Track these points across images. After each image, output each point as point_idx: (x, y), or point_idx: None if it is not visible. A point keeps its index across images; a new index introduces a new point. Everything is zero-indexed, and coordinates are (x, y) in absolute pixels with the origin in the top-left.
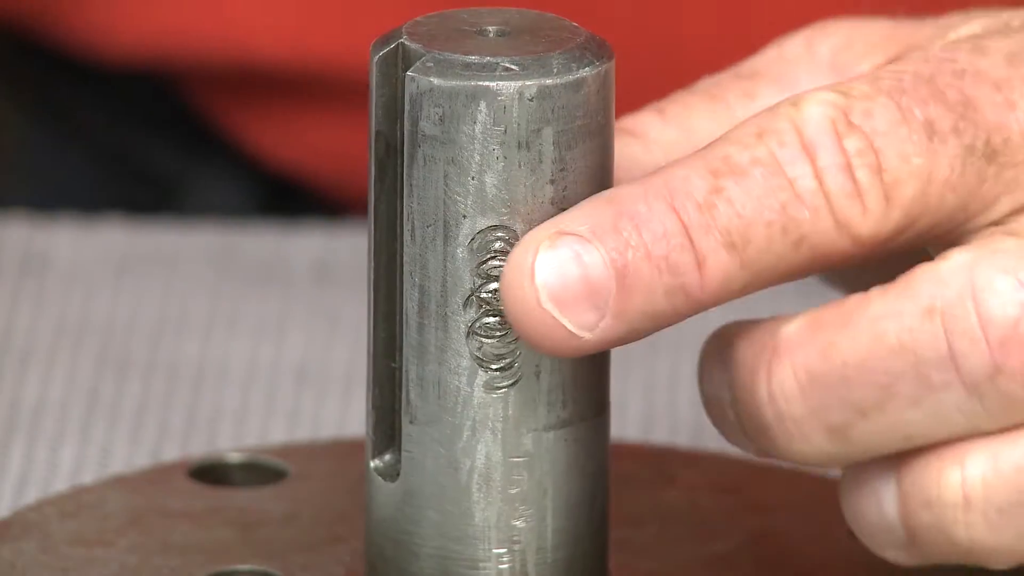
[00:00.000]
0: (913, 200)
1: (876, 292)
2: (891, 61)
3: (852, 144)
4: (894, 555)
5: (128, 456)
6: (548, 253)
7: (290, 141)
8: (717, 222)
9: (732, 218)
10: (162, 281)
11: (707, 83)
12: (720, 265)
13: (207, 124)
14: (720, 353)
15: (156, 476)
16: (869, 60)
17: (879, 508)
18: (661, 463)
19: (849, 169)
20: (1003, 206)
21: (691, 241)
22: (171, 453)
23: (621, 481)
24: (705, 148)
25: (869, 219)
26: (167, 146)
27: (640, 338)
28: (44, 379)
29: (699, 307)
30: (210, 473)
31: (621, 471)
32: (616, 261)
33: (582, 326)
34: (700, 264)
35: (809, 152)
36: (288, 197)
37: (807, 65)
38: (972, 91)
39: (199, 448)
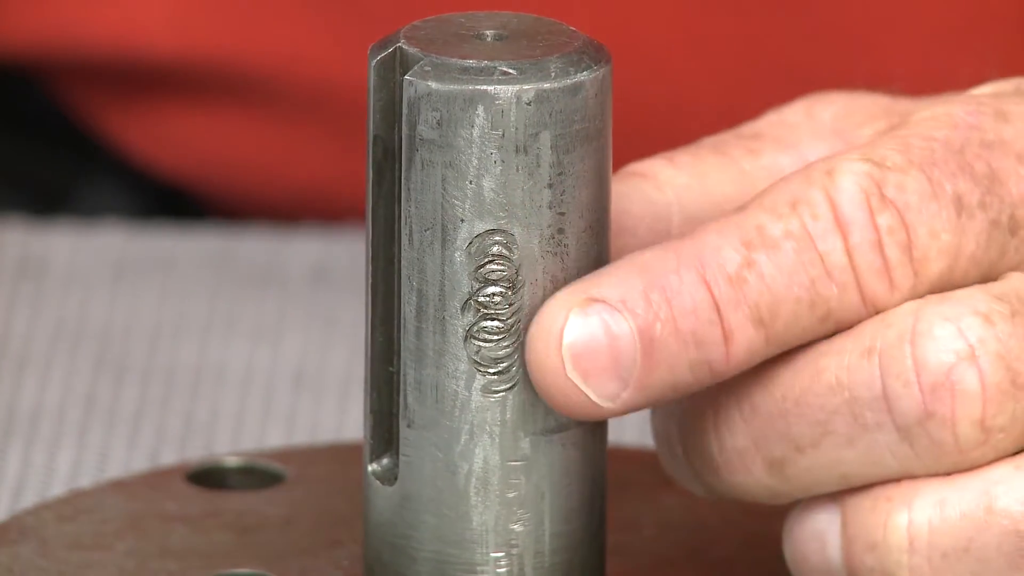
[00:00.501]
0: (940, 276)
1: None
2: (895, 129)
3: (884, 220)
4: None
5: (126, 460)
6: (578, 320)
7: (177, 146)
8: (747, 297)
9: (763, 293)
10: (159, 285)
11: (710, 141)
12: (746, 340)
13: (91, 129)
14: None
15: (154, 480)
16: (871, 127)
17: (822, 550)
18: (659, 467)
19: (880, 246)
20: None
21: (720, 316)
22: (169, 457)
23: (618, 485)
24: (739, 213)
25: (896, 295)
26: (51, 153)
27: (660, 405)
28: (41, 383)
29: (720, 379)
30: (208, 477)
31: (618, 475)
32: (644, 333)
33: (604, 396)
34: (727, 339)
35: (842, 227)
36: (178, 205)
37: (809, 129)
38: (998, 163)
39: (197, 452)
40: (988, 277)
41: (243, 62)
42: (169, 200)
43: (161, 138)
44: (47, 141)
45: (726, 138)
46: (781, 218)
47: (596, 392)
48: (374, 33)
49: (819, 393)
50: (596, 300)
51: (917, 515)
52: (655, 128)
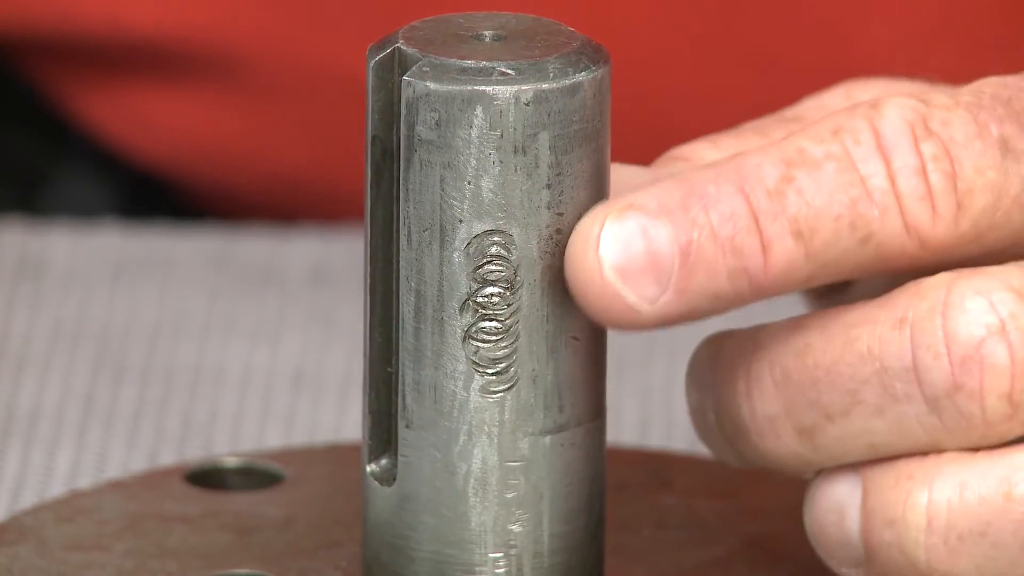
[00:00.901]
0: (983, 212)
1: (860, 303)
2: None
3: (928, 149)
4: (848, 572)
5: (124, 461)
6: (615, 225)
7: (153, 130)
8: (786, 210)
9: (801, 207)
10: (158, 285)
11: (752, 125)
12: (785, 252)
13: (65, 113)
14: (707, 358)
15: (152, 481)
16: None
17: (841, 523)
18: (657, 468)
19: (923, 173)
20: None
21: (758, 225)
22: (167, 458)
23: (617, 485)
24: (781, 140)
25: (939, 224)
26: (23, 138)
27: (699, 318)
28: (40, 384)
29: (760, 293)
30: (206, 478)
31: (617, 475)
32: (681, 238)
33: (643, 299)
34: (765, 249)
35: (884, 152)
36: (148, 192)
37: None
38: None
39: (195, 453)
40: None
41: (222, 44)
42: (145, 187)
43: (137, 122)
44: (20, 125)
45: (768, 122)
46: (822, 142)
47: (635, 294)
48: (356, 16)
49: (850, 362)
50: (634, 206)
51: (937, 495)
52: (642, 121)
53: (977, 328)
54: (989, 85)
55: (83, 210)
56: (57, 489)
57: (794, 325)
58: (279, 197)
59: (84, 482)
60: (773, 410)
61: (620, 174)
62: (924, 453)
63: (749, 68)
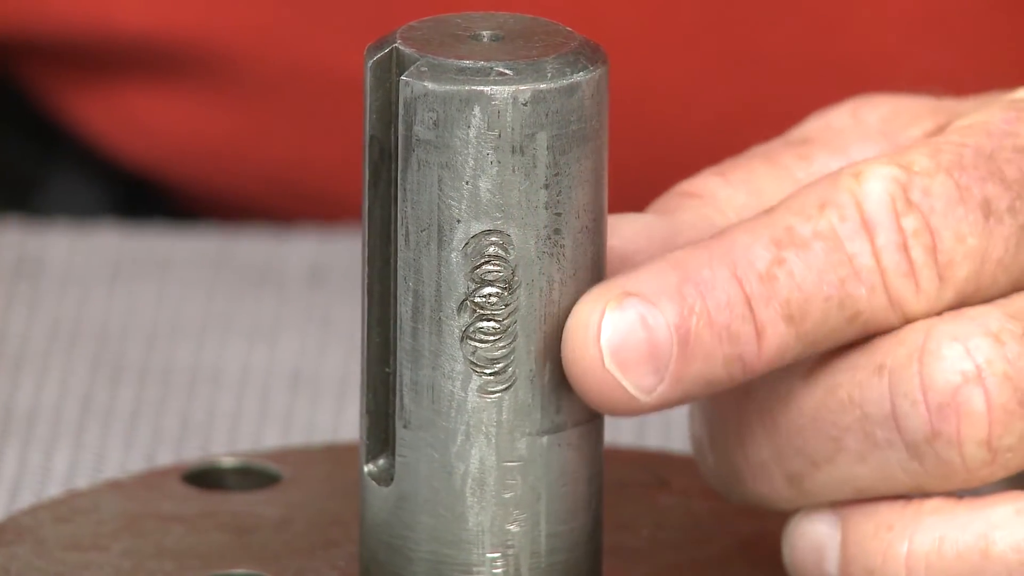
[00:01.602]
0: (966, 280)
1: (844, 347)
2: (942, 129)
3: (910, 223)
4: None
5: (122, 460)
6: (615, 314)
7: (141, 130)
8: (778, 294)
9: (792, 291)
10: (156, 285)
11: (760, 150)
12: (778, 336)
13: (53, 113)
14: (704, 402)
15: (150, 480)
16: (918, 127)
17: (820, 565)
18: (655, 468)
19: (905, 249)
20: None
21: (752, 312)
22: (165, 458)
23: (615, 486)
24: (768, 215)
25: (922, 299)
26: (11, 139)
27: (691, 402)
28: (38, 383)
29: (752, 375)
30: (204, 478)
31: (615, 476)
32: (680, 326)
33: (641, 389)
34: (759, 335)
35: (868, 229)
36: (141, 195)
37: (857, 132)
38: None
39: (193, 453)
40: (1019, 283)
41: (211, 44)
42: (138, 188)
43: (128, 123)
44: (10, 128)
45: (775, 146)
46: (810, 219)
47: (633, 384)
48: (345, 15)
49: (833, 410)
50: (632, 294)
51: (917, 547)
52: (636, 120)
53: (953, 375)
54: (973, 136)
55: (77, 212)
56: (55, 489)
57: (781, 370)
58: (272, 196)
59: (82, 482)
60: (764, 456)
61: (618, 224)
62: (908, 497)
63: (743, 67)
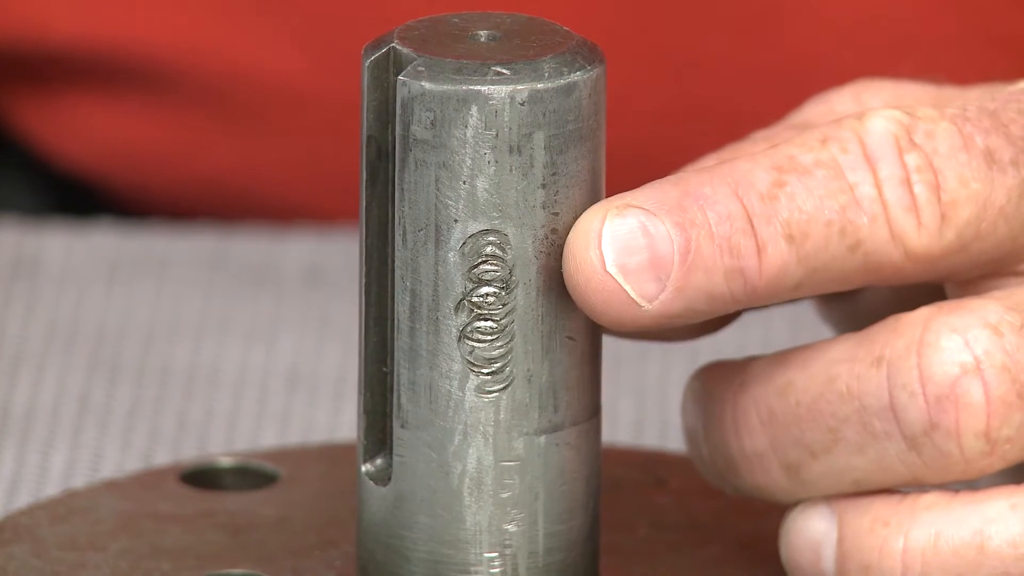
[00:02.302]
0: (968, 223)
1: (842, 337)
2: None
3: (912, 160)
4: None
5: (119, 460)
6: (616, 220)
7: (81, 136)
8: (778, 214)
9: (793, 212)
10: (153, 285)
11: (762, 134)
12: (779, 255)
13: None
14: (698, 392)
15: (147, 480)
16: None
17: (817, 561)
18: (652, 467)
19: (908, 183)
20: None
21: (752, 227)
22: (162, 457)
23: (612, 485)
24: (770, 148)
25: (924, 235)
26: None
27: (695, 319)
28: (35, 383)
29: (755, 296)
30: (201, 477)
31: (612, 475)
32: (680, 236)
33: (644, 295)
34: (760, 250)
35: (870, 161)
36: (81, 198)
37: None
38: None
39: (190, 452)
40: (1018, 238)
41: (145, 51)
42: (73, 192)
43: (65, 128)
44: None
45: (777, 131)
46: (811, 150)
47: (636, 290)
48: (277, 23)
49: (831, 400)
50: (633, 206)
51: (912, 543)
52: (628, 122)
53: (951, 367)
54: (975, 98)
55: (21, 213)
56: (52, 489)
57: (778, 361)
58: (213, 200)
59: (79, 482)
60: (760, 447)
61: None
62: (904, 493)
63: (679, 71)
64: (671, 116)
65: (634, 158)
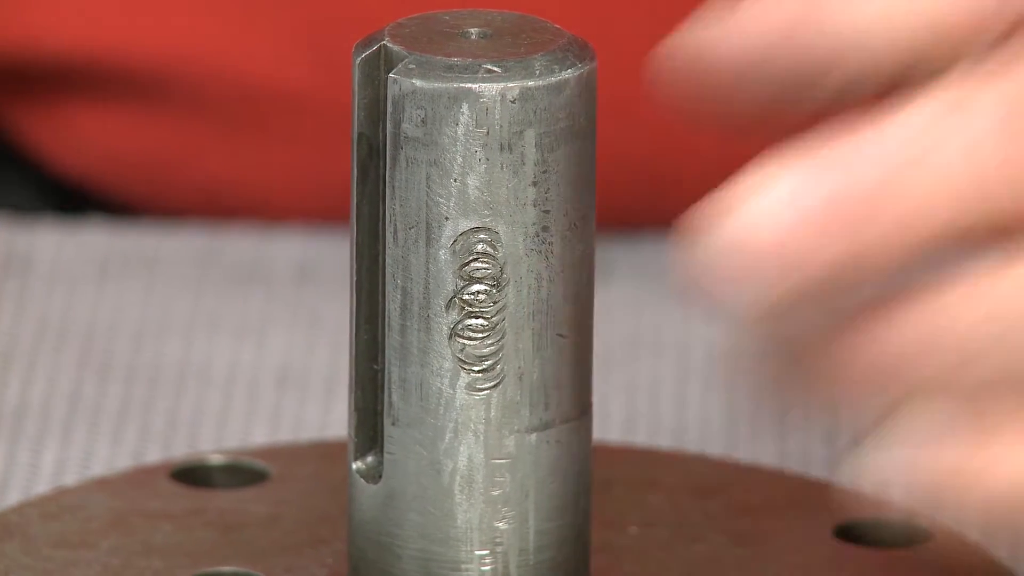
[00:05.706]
0: None
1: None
2: None
3: None
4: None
5: (110, 458)
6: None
7: (75, 142)
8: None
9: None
10: (144, 283)
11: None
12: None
13: None
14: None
15: (138, 478)
16: None
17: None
18: (643, 465)
19: None
20: None
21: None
22: (153, 455)
23: (603, 483)
24: None
25: None
26: None
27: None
28: (25, 381)
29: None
30: (192, 475)
31: (603, 473)
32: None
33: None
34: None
35: None
36: (76, 202)
37: None
38: None
39: (181, 450)
40: None
41: (141, 59)
42: (70, 193)
43: (61, 135)
44: None
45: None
46: None
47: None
48: (273, 29)
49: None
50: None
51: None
52: (627, 121)
53: None
54: None
55: (13, 211)
56: (43, 486)
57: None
58: (206, 206)
59: (70, 479)
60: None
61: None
62: None
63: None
64: (670, 116)
65: (634, 158)
